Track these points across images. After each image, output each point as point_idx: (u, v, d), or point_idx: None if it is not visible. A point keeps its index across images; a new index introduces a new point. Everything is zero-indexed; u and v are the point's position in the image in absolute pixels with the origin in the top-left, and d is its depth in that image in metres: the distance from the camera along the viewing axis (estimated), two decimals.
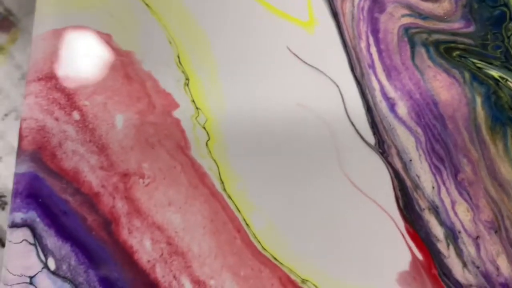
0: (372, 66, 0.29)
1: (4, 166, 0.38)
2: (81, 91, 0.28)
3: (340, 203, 0.27)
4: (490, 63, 0.29)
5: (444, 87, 0.29)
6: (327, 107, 0.28)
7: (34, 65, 0.28)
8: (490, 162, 0.27)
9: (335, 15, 0.30)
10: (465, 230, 0.27)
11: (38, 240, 0.27)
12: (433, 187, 0.27)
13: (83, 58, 0.29)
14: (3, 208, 0.37)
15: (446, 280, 0.26)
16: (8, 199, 0.38)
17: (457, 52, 0.29)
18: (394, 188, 0.27)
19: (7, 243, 0.27)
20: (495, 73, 0.29)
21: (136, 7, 0.30)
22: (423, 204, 0.27)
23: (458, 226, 0.27)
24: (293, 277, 0.26)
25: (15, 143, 0.38)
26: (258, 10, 0.30)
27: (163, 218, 0.27)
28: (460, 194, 0.27)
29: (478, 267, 0.26)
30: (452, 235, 0.27)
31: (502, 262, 0.26)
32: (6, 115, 0.38)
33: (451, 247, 0.27)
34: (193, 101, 0.28)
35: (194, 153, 0.28)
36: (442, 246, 0.27)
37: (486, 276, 0.26)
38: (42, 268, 0.26)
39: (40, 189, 0.27)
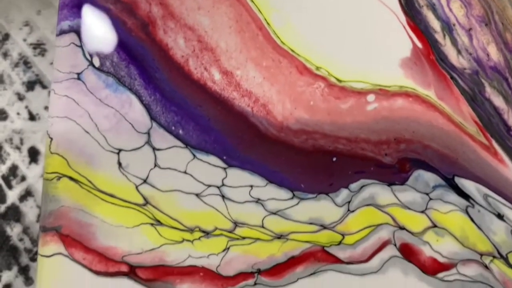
0: None
1: None
2: None
3: (349, 2, 0.30)
4: None
5: None
6: None
7: None
8: None
9: None
10: (459, 23, 0.30)
11: (83, 42, 0.31)
12: None
13: None
14: (43, 55, 0.41)
15: (443, 65, 0.30)
16: (48, 46, 0.41)
17: None
18: None
19: (56, 49, 0.31)
20: None
21: None
22: (422, 1, 0.31)
23: (452, 19, 0.30)
24: (308, 65, 0.30)
25: None
26: None
27: (194, 20, 0.30)
28: None
29: (470, 54, 0.30)
30: (448, 28, 0.30)
31: (492, 49, 0.30)
32: None
33: (447, 37, 0.30)
34: None
35: None
36: (439, 36, 0.30)
37: (478, 61, 0.30)
38: (88, 65, 0.30)
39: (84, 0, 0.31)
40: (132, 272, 0.29)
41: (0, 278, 0.40)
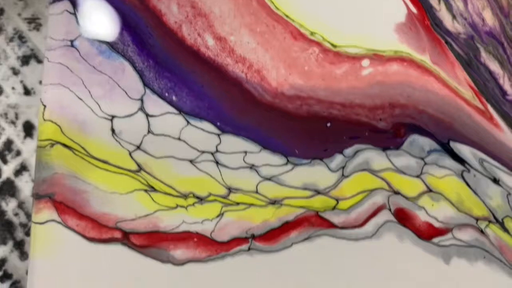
0: None
1: None
2: None
3: None
4: None
5: None
6: None
7: None
8: None
9: None
10: None
11: (77, 10, 0.30)
12: None
13: None
14: (38, 30, 0.41)
15: (438, 30, 0.30)
16: (42, 21, 0.41)
17: None
18: None
19: (49, 17, 0.31)
20: None
21: None
22: None
23: None
24: (302, 30, 0.30)
25: None
26: None
27: None
28: None
29: (465, 19, 0.30)
30: None
31: (487, 14, 0.30)
32: None
33: (441, 2, 0.30)
34: None
35: None
36: (434, 1, 0.30)
37: (473, 26, 0.30)
38: (81, 32, 0.30)
39: None
40: (125, 238, 0.29)
41: None
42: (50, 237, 0.29)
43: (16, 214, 0.40)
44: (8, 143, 0.40)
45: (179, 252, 0.29)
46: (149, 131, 0.29)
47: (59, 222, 0.29)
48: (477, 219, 0.29)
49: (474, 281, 0.28)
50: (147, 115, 0.30)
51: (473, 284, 0.28)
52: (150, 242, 0.29)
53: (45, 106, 0.30)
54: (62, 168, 0.29)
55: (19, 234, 0.40)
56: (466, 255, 0.28)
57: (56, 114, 0.30)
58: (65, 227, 0.29)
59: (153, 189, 0.29)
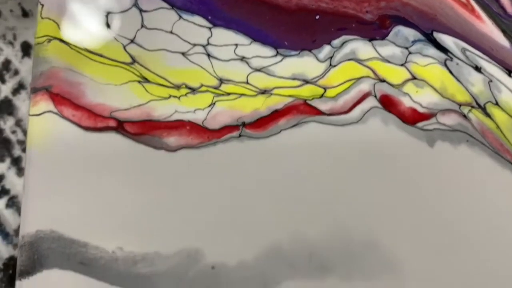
0: None
1: None
2: None
3: None
4: None
5: None
6: None
7: None
8: None
9: None
10: None
11: None
12: None
13: None
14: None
15: None
16: None
17: None
18: None
19: None
20: None
21: None
22: None
23: None
24: None
25: None
26: None
27: None
28: None
29: None
30: None
31: None
32: None
33: None
34: None
35: None
36: None
37: None
38: None
39: None
40: (120, 127, 0.30)
41: None
42: (46, 128, 0.30)
43: (13, 132, 0.41)
44: (6, 63, 0.41)
45: (172, 139, 0.30)
46: (142, 26, 0.30)
47: (55, 113, 0.30)
48: (460, 105, 0.30)
49: (457, 163, 0.29)
50: (141, 10, 0.31)
51: (456, 166, 0.29)
52: (144, 130, 0.30)
53: (43, 5, 0.31)
54: (58, 62, 0.30)
55: (17, 151, 0.41)
56: (449, 139, 0.29)
57: (53, 12, 0.31)
58: (61, 118, 0.30)
59: (147, 80, 0.30)
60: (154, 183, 0.29)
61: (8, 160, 0.41)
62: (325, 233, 0.28)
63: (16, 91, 0.41)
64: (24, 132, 0.41)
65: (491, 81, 0.30)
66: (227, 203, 0.29)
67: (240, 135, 0.30)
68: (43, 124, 0.30)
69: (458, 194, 0.29)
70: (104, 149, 0.29)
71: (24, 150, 0.41)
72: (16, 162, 0.41)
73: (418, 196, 0.28)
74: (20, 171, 0.41)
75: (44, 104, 0.30)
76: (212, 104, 0.30)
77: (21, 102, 0.41)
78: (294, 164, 0.29)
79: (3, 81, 0.41)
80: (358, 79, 0.30)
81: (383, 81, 0.30)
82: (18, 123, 0.41)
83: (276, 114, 0.30)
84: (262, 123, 0.30)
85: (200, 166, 0.29)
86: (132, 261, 0.29)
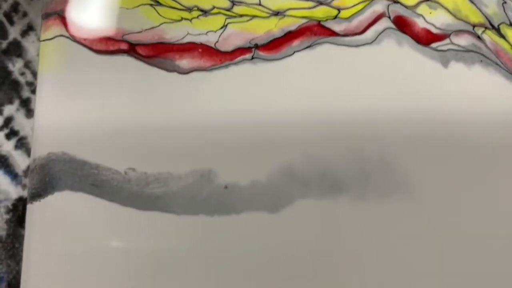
0: None
1: None
2: None
3: None
4: None
5: None
6: None
7: None
8: None
9: None
10: None
11: None
12: None
13: None
14: None
15: None
16: None
17: None
18: None
19: None
20: None
21: None
22: None
23: None
24: None
25: None
26: None
27: None
28: None
29: None
30: None
31: None
32: None
33: None
34: None
35: None
36: None
37: None
38: None
39: None
40: (132, 49, 0.30)
41: (2, 112, 0.40)
42: (58, 52, 0.30)
43: (22, 74, 0.41)
44: (15, 5, 0.41)
45: (184, 62, 0.29)
46: None
47: (67, 37, 0.30)
48: (473, 26, 0.29)
49: (471, 83, 0.29)
50: None
51: (470, 86, 0.28)
52: (156, 52, 0.30)
53: None
54: None
55: (26, 92, 0.41)
56: (463, 59, 0.29)
57: None
58: (73, 41, 0.30)
59: (158, 3, 0.30)
60: (166, 105, 0.29)
61: (17, 102, 0.40)
62: (337, 153, 0.28)
63: (24, 32, 0.41)
64: (33, 74, 0.41)
65: (505, 2, 0.29)
66: (239, 124, 0.29)
67: (252, 57, 0.29)
68: (55, 48, 0.30)
69: (472, 114, 0.28)
70: (116, 72, 0.29)
71: (33, 91, 0.41)
72: (25, 104, 0.41)
73: (432, 116, 0.28)
74: (29, 113, 0.41)
75: (56, 28, 0.30)
76: (224, 26, 0.30)
77: (30, 44, 0.41)
78: (307, 85, 0.29)
79: (12, 23, 0.41)
80: (372, 0, 0.30)
81: (396, 2, 0.30)
82: (27, 64, 0.41)
83: (289, 36, 0.29)
84: (275, 45, 0.29)
85: (212, 89, 0.29)
86: (145, 181, 0.29)
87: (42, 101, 0.29)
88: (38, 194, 0.29)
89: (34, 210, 0.29)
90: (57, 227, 0.28)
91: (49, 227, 0.28)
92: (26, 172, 0.41)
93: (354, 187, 0.28)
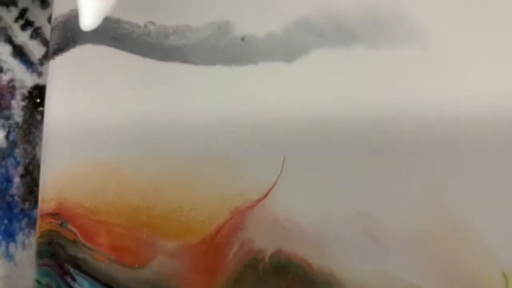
0: None
1: None
2: None
3: None
4: None
5: None
6: None
7: None
8: None
9: None
10: None
11: None
12: None
13: None
14: None
15: None
16: None
17: None
18: None
19: None
20: None
21: None
22: None
23: None
24: None
25: None
26: None
27: None
28: None
29: None
30: None
31: None
32: None
33: None
34: None
35: None
36: None
37: None
38: None
39: None
40: None
41: (17, 3, 0.41)
42: None
43: None
44: None
45: None
46: None
47: None
48: None
49: None
50: None
51: None
52: None
53: None
54: None
55: None
56: None
57: None
58: None
59: None
60: None
61: None
62: (353, 4, 0.29)
63: None
64: None
65: None
66: None
67: None
68: None
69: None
70: None
71: None
72: None
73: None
74: (44, 3, 0.42)
75: None
76: None
77: None
78: None
79: None
80: None
81: None
82: None
83: None
84: None
85: None
86: (164, 34, 0.29)
87: None
88: (60, 48, 0.30)
89: (56, 64, 0.30)
90: (79, 78, 0.29)
91: (70, 78, 0.29)
92: (42, 60, 0.42)
93: (368, 36, 0.28)
